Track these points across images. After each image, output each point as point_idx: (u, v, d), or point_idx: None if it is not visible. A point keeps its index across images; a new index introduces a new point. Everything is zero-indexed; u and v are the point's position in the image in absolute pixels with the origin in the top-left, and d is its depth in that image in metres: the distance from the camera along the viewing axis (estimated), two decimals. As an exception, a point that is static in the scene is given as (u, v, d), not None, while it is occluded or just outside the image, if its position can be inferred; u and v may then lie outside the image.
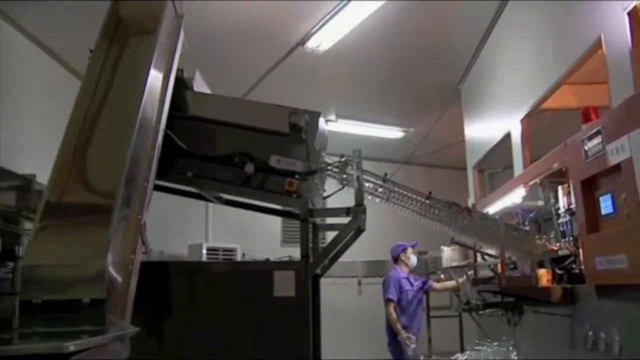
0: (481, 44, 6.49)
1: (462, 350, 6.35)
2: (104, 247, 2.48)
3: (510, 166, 5.72)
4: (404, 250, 6.63)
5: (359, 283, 8.17)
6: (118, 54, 3.44)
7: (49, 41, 5.92)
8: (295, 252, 4.06)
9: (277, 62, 6.68)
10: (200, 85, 4.12)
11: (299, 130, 3.74)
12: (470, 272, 5.82)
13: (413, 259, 6.60)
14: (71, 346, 1.74)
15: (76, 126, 2.97)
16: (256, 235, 8.29)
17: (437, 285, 6.66)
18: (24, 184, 4.57)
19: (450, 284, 6.40)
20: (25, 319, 2.52)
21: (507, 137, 5.70)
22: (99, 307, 2.46)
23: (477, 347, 4.29)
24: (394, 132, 9.39)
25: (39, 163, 4.48)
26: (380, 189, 4.14)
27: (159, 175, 3.37)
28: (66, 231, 2.66)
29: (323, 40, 6.16)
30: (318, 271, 3.94)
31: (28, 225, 4.66)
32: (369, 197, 4.09)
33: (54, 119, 3.68)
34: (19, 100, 5.34)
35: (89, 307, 2.45)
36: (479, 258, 5.51)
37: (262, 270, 3.68)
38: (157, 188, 3.49)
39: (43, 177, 4.42)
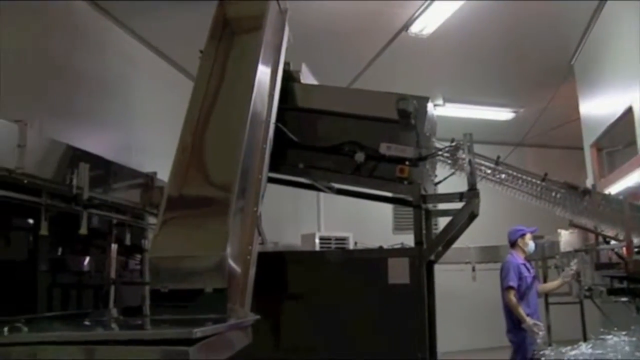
0: (594, 17, 6.13)
1: (585, 339, 6.04)
2: (224, 238, 2.58)
3: (632, 143, 5.38)
4: (523, 235, 6.39)
5: (473, 269, 7.98)
6: (227, 52, 3.55)
7: (162, 45, 6.21)
8: (407, 239, 4.03)
9: (381, 49, 6.63)
10: (307, 77, 4.17)
11: (407, 117, 3.69)
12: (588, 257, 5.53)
13: (531, 245, 6.35)
14: (198, 332, 1.82)
15: (192, 123, 3.10)
16: (367, 223, 8.29)
17: (541, 288, 6.43)
18: (147, 181, 4.84)
19: (554, 285, 6.17)
20: (154, 306, 2.68)
21: (629, 111, 5.36)
22: (220, 296, 2.57)
23: (602, 337, 4.07)
24: (503, 114, 9.10)
25: (158, 161, 4.74)
26: (493, 173, 4.02)
27: (272, 168, 3.46)
28: (187, 224, 2.80)
29: (426, 24, 6.04)
30: (432, 258, 3.90)
31: (151, 219, 4.94)
32: (482, 181, 3.98)
33: (170, 118, 3.86)
34: (137, 103, 5.64)
35: (212, 296, 2.56)
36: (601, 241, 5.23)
37: (376, 258, 3.68)
38: (271, 180, 3.58)
39: (163, 174, 4.69)
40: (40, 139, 3.68)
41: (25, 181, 3.50)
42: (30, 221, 3.96)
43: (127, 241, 4.73)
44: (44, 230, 3.72)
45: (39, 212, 3.72)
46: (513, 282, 5.95)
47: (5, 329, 2.05)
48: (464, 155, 3.84)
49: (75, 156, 3.93)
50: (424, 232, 3.82)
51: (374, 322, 3.58)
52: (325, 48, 6.36)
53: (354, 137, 3.81)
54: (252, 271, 2.87)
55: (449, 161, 3.99)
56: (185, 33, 4.91)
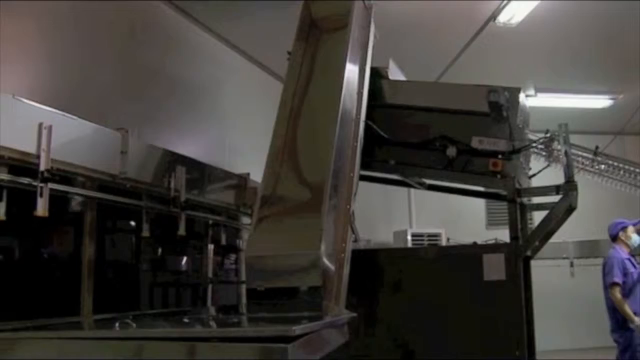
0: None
1: None
2: (318, 236, 2.60)
3: None
4: (624, 228, 6.07)
5: (571, 265, 7.69)
6: (314, 52, 3.59)
7: (250, 49, 6.33)
8: (501, 235, 3.93)
9: (469, 41, 6.49)
10: (395, 73, 4.15)
11: (499, 109, 3.60)
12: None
13: (635, 238, 6.02)
14: (297, 330, 1.83)
15: (283, 124, 3.15)
16: (460, 219, 8.14)
17: None
18: (240, 182, 4.96)
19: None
20: (251, 304, 2.74)
21: None
22: (316, 294, 2.59)
23: None
24: (600, 101, 8.66)
25: (251, 162, 4.85)
26: (591, 164, 3.86)
27: (363, 165, 3.47)
28: (282, 223, 2.85)
29: (514, 12, 5.85)
30: (528, 253, 3.79)
31: (245, 220, 5.06)
32: (579, 172, 3.83)
33: (261, 120, 3.94)
34: (228, 106, 5.78)
35: (307, 294, 2.59)
36: None
37: (471, 254, 3.62)
38: (362, 178, 3.58)
39: (256, 175, 4.79)
40: (140, 145, 3.85)
41: (128, 185, 3.67)
42: (132, 223, 4.16)
43: (223, 241, 4.87)
44: (145, 232, 3.89)
45: (141, 214, 3.89)
46: (618, 278, 5.66)
47: (117, 324, 2.15)
48: (559, 147, 3.72)
49: (172, 160, 4.09)
50: (519, 226, 3.72)
51: (470, 320, 3.52)
52: (412, 43, 6.29)
53: (444, 132, 3.76)
54: (347, 269, 2.88)
55: (544, 153, 3.88)
56: (272, 35, 4.99)
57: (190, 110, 5.10)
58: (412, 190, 6.02)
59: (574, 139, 3.73)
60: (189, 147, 4.66)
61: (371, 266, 3.67)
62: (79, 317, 3.54)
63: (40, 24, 3.70)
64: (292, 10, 3.82)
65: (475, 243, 3.94)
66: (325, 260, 2.63)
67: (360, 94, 3.48)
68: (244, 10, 5.32)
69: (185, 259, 4.81)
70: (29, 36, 3.62)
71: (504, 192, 3.72)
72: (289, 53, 3.60)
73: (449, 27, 6.18)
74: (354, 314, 2.55)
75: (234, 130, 5.70)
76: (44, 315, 3.21)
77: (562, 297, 8.21)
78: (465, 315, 3.53)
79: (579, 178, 3.74)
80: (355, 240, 3.11)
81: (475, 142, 3.67)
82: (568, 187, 3.56)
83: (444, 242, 7.63)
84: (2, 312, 3.18)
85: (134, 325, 2.19)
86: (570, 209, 3.60)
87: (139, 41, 4.59)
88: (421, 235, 7.75)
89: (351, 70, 3.41)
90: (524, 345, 3.43)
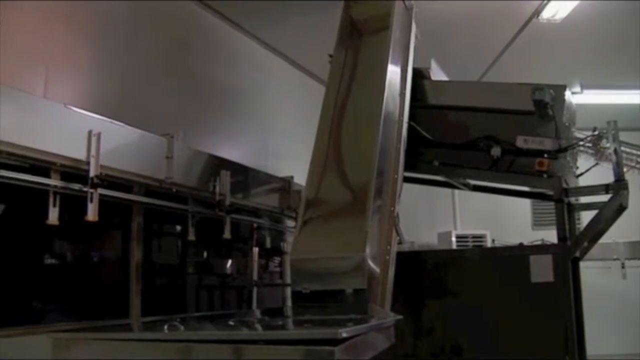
0: None
1: None
2: (363, 239, 2.60)
3: None
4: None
5: (623, 266, 7.50)
6: (355, 54, 3.59)
7: (290, 52, 6.36)
8: (547, 235, 3.86)
9: (511, 39, 6.38)
10: (437, 74, 4.12)
11: (544, 107, 3.54)
12: None
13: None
14: (344, 333, 1.83)
15: (326, 127, 3.16)
16: (505, 219, 8.01)
17: None
18: (284, 186, 4.99)
19: None
20: (296, 307, 2.76)
21: None
22: (361, 296, 2.59)
23: None
24: (651, 97, 8.46)
25: (294, 165, 4.88)
26: (642, 161, 3.76)
27: (407, 167, 3.45)
28: (326, 225, 2.85)
29: (559, 8, 5.74)
30: (577, 254, 3.71)
31: (289, 223, 5.09)
32: (630, 170, 3.73)
33: (303, 123, 3.95)
34: (270, 110, 5.81)
35: (352, 297, 2.59)
36: None
37: (517, 255, 3.56)
38: (405, 180, 3.56)
39: (299, 178, 4.82)
40: (185, 150, 3.91)
41: (174, 190, 3.73)
42: (178, 227, 4.22)
43: (267, 244, 4.91)
44: (191, 236, 3.95)
45: (186, 218, 3.95)
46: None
47: (165, 326, 2.19)
48: (608, 144, 3.61)
49: (217, 164, 4.14)
50: (567, 227, 3.64)
51: (518, 322, 3.45)
52: (454, 42, 6.23)
53: (488, 132, 3.71)
54: (392, 271, 2.87)
55: (592, 151, 3.78)
56: (313, 38, 5.01)
57: (232, 115, 5.15)
58: (456, 191, 5.95)
59: (624, 136, 3.64)
60: (232, 151, 4.71)
61: (416, 268, 3.65)
62: (128, 319, 3.61)
63: (88, 33, 3.79)
64: (333, 13, 3.83)
65: (521, 244, 3.87)
66: (371, 263, 2.63)
67: (402, 95, 3.47)
68: (284, 14, 5.35)
69: (230, 262, 4.86)
70: (77, 46, 3.71)
71: (550, 192, 3.65)
72: (331, 56, 3.60)
73: (491, 25, 6.11)
74: (400, 317, 2.54)
75: (276, 134, 5.73)
76: (95, 317, 3.30)
77: (613, 299, 8.00)
78: (512, 318, 3.46)
79: (630, 176, 3.64)
80: (400, 242, 3.10)
81: (520, 142, 3.61)
82: (618, 186, 3.47)
83: (489, 244, 7.53)
84: (57, 314, 3.29)
85: (182, 327, 2.22)
86: (621, 209, 3.51)
87: (182, 48, 4.66)
88: (466, 236, 7.67)
89: (393, 72, 3.41)
90: (574, 350, 3.35)
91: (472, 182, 4.31)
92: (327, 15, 4.02)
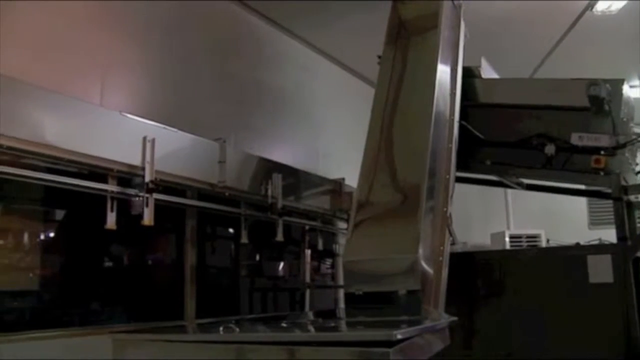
0: None
1: None
2: (415, 240, 2.59)
3: None
4: None
5: (687, 265, 7.21)
6: (404, 54, 3.57)
7: (338, 54, 6.35)
8: (605, 235, 3.76)
9: (564, 33, 6.23)
10: (487, 72, 4.06)
11: (600, 102, 3.44)
12: None
13: None
14: (398, 334, 1.82)
15: (376, 128, 3.16)
16: (560, 219, 7.82)
17: None
18: (335, 187, 5.00)
19: None
20: (349, 309, 2.76)
21: None
22: (414, 298, 2.57)
23: None
24: None
25: (345, 167, 4.88)
26: None
27: (459, 167, 3.41)
28: (379, 227, 2.84)
29: (613, -1, 5.60)
30: (638, 254, 3.59)
31: (341, 224, 5.09)
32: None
33: (353, 124, 3.96)
34: (319, 112, 5.82)
35: (405, 298, 2.58)
36: None
37: (574, 256, 3.47)
38: (458, 180, 3.52)
39: (350, 180, 4.81)
40: (237, 154, 3.97)
41: (227, 194, 3.78)
42: (231, 230, 4.28)
43: (319, 246, 4.92)
44: (244, 239, 4.00)
45: (239, 221, 3.99)
46: None
47: (221, 328, 2.23)
48: (669, 139, 3.50)
49: (268, 167, 4.18)
50: (627, 226, 3.53)
51: (574, 324, 3.37)
52: (504, 39, 6.12)
53: (542, 129, 3.64)
54: (445, 272, 2.84)
55: (653, 147, 3.66)
56: (361, 39, 5.00)
57: (281, 117, 5.19)
58: (509, 190, 5.85)
59: (686, 131, 3.52)
60: (282, 154, 4.75)
61: (469, 269, 3.60)
62: (183, 321, 3.68)
63: (141, 42, 3.88)
64: (380, 13, 3.82)
65: (578, 244, 3.78)
66: (424, 264, 2.61)
67: (453, 94, 3.43)
68: (331, 15, 5.36)
69: (282, 264, 4.90)
70: (131, 54, 3.81)
71: (608, 190, 3.55)
72: (379, 57, 3.59)
73: (543, 20, 5.97)
74: (455, 318, 2.51)
75: (325, 136, 5.74)
76: (151, 319, 3.38)
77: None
78: (569, 320, 3.38)
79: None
80: (453, 243, 3.07)
81: (575, 139, 3.53)
82: (681, 183, 3.36)
83: (543, 244, 7.37)
84: (115, 315, 3.38)
85: (237, 329, 2.26)
86: (685, 206, 3.40)
87: (231, 52, 4.72)
88: (519, 236, 7.51)
89: (443, 71, 3.37)
90: (637, 354, 3.24)
91: (526, 181, 4.23)
92: (374, 15, 4.01)
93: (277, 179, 4.13)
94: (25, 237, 3.10)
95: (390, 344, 1.79)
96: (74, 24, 3.41)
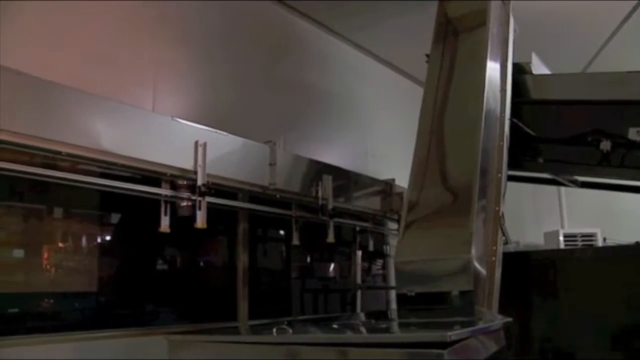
0: None
1: None
2: (468, 240, 2.56)
3: None
4: None
5: None
6: (453, 53, 3.53)
7: (385, 54, 6.33)
8: (667, 233, 3.65)
9: (619, 24, 6.06)
10: (538, 67, 3.98)
11: (661, 94, 3.35)
12: None
13: None
14: (452, 335, 1.81)
15: (426, 127, 3.14)
16: (617, 217, 7.60)
17: None
18: (385, 188, 4.98)
19: None
20: (401, 310, 2.74)
21: None
22: (467, 298, 2.55)
23: None
24: None
25: (395, 167, 4.86)
26: None
27: (511, 165, 3.35)
28: (430, 227, 2.83)
29: (673, -13, 5.40)
30: (701, 252, 3.48)
31: (392, 225, 5.07)
32: None
33: (402, 124, 3.94)
34: (367, 112, 5.81)
35: (458, 299, 2.55)
36: None
37: (633, 255, 3.38)
38: (510, 178, 3.47)
39: (400, 180, 4.79)
40: (287, 156, 3.99)
41: (278, 196, 3.82)
42: (282, 232, 4.31)
43: (370, 247, 4.91)
44: (295, 240, 4.02)
45: (290, 223, 4.02)
46: None
47: (274, 330, 2.25)
48: None
49: (318, 169, 4.20)
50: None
51: (634, 327, 3.27)
52: (554, 33, 5.99)
53: (597, 125, 3.55)
54: (498, 272, 2.80)
55: None
56: (408, 39, 4.97)
57: (329, 119, 5.21)
58: (563, 188, 5.71)
59: None
60: (331, 155, 4.75)
61: (522, 269, 3.54)
62: (236, 322, 3.73)
63: (190, 46, 3.95)
64: (427, 12, 3.79)
65: (637, 243, 3.68)
66: (476, 264, 2.58)
67: (503, 91, 3.38)
68: (377, 15, 5.35)
69: (332, 265, 4.91)
70: (181, 59, 3.88)
71: (670, 186, 3.45)
72: (427, 56, 3.57)
73: (595, 12, 5.82)
74: (509, 319, 2.47)
75: (374, 136, 5.73)
76: (204, 320, 3.44)
77: None
78: (628, 322, 3.29)
79: None
80: (506, 243, 3.02)
81: (632, 134, 3.43)
82: None
83: (599, 243, 7.18)
84: (169, 316, 3.45)
85: (290, 330, 2.27)
86: None
87: (278, 55, 4.76)
88: (574, 235, 7.33)
89: (492, 68, 3.33)
90: None
91: (580, 178, 4.14)
92: (421, 14, 3.98)
93: (328, 180, 4.14)
94: (84, 240, 3.19)
95: (444, 345, 1.78)
96: (126, 31, 3.50)
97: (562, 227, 8.11)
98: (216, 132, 3.45)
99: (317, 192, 4.07)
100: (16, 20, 2.94)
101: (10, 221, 2.90)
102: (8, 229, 2.88)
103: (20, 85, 2.58)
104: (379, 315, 3.95)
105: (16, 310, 2.83)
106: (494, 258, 2.79)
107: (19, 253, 2.91)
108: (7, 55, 2.62)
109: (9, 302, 2.80)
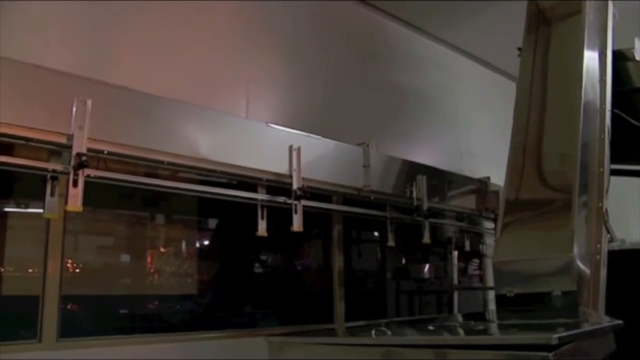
0: None
1: None
2: (569, 238, 2.48)
3: None
4: None
5: None
6: (546, 44, 3.42)
7: (476, 51, 6.20)
8: None
9: None
10: (642, 53, 3.78)
11: None
12: None
13: None
14: (558, 338, 1.74)
15: (521, 123, 3.06)
16: None
17: None
18: (480, 187, 4.88)
19: None
20: (500, 311, 2.68)
21: None
22: (570, 299, 2.46)
23: None
24: None
25: (490, 165, 4.75)
26: None
27: (614, 159, 3.20)
28: (529, 226, 2.75)
29: None
30: None
31: (487, 224, 4.96)
32: None
33: (495, 121, 3.84)
34: (460, 111, 5.71)
35: (560, 299, 2.47)
36: None
37: None
38: (614, 172, 3.30)
39: (496, 178, 4.68)
40: (380, 158, 3.98)
41: (372, 197, 3.82)
42: (376, 234, 4.31)
43: (466, 247, 4.82)
44: (390, 242, 4.01)
45: (384, 224, 4.01)
46: None
47: (373, 331, 2.26)
48: None
49: (412, 169, 4.17)
50: None
51: None
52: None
53: None
54: (604, 272, 2.68)
55: None
56: (497, 34, 4.87)
57: (421, 118, 5.15)
58: (671, 181, 5.35)
59: None
60: (424, 155, 4.70)
61: (630, 269, 3.35)
62: (333, 324, 3.76)
63: (282, 52, 4.03)
64: (516, 6, 3.69)
65: None
66: (579, 263, 2.49)
67: (603, 81, 3.23)
68: (465, 12, 5.25)
69: (428, 266, 4.86)
70: (273, 66, 3.96)
71: None
72: (519, 49, 3.47)
73: None
74: (619, 322, 2.35)
75: (468, 134, 5.62)
76: (302, 322, 3.49)
77: None
78: None
79: None
80: (611, 241, 2.88)
81: None
82: None
83: None
84: (268, 318, 3.53)
85: (389, 332, 2.27)
86: None
87: (368, 57, 4.76)
88: (685, 232, 6.89)
89: (590, 57, 3.19)
90: None
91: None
92: (511, 8, 3.86)
93: (422, 180, 4.10)
94: (184, 245, 3.33)
95: (549, 347, 1.72)
96: (219, 39, 3.61)
97: (673, 222, 7.64)
98: (309, 136, 3.50)
99: (411, 192, 4.04)
100: (120, 36, 3.11)
101: (118, 228, 3.07)
102: (116, 235, 3.05)
103: (126, 99, 2.73)
104: (476, 317, 3.87)
105: (125, 311, 2.99)
106: (598, 257, 2.68)
107: (125, 258, 3.08)
108: (113, 68, 2.78)
109: (119, 303, 2.96)
